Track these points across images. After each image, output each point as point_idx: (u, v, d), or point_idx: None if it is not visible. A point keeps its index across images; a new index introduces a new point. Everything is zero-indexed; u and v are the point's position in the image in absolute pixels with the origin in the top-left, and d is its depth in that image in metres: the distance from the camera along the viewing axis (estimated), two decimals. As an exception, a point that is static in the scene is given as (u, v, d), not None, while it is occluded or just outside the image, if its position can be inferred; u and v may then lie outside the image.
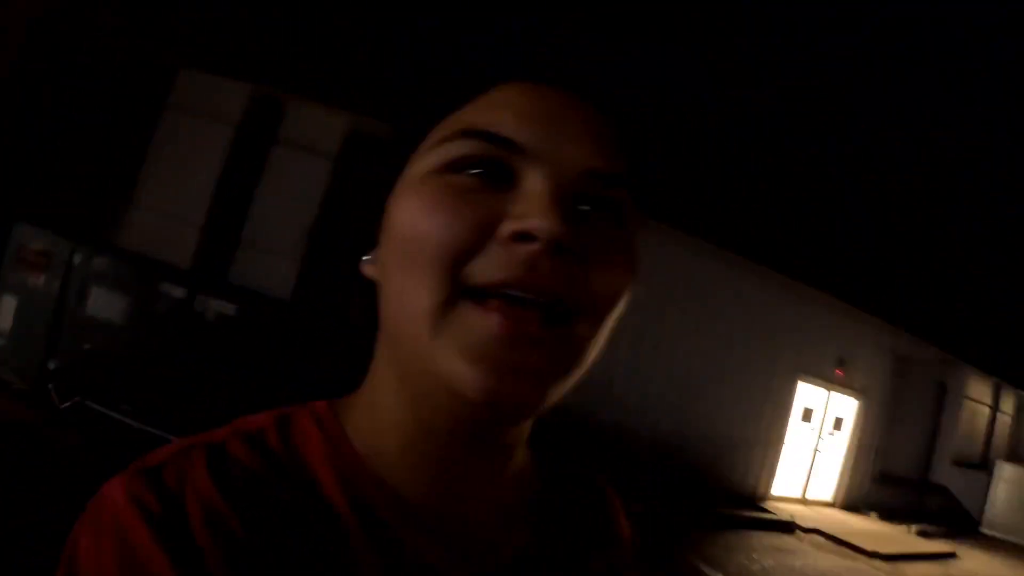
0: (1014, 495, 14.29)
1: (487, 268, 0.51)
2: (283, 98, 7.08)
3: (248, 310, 5.33)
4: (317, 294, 6.91)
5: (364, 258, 0.62)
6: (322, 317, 6.20)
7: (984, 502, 14.59)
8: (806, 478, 12.91)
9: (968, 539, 13.21)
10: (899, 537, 11.68)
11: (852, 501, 13.27)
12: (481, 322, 0.50)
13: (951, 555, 11.39)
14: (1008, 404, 16.86)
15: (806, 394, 12.49)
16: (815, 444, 12.91)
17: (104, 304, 5.38)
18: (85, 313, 5.41)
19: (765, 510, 10.83)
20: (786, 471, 12.39)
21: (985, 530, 14.31)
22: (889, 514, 12.82)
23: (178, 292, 5.28)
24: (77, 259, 5.45)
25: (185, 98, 7.31)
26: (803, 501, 12.71)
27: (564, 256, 0.51)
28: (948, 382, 14.33)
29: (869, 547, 9.85)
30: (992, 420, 16.19)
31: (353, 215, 7.14)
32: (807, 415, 12.67)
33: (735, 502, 10.58)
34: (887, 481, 13.65)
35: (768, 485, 11.91)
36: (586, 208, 0.55)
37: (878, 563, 9.53)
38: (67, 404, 4.99)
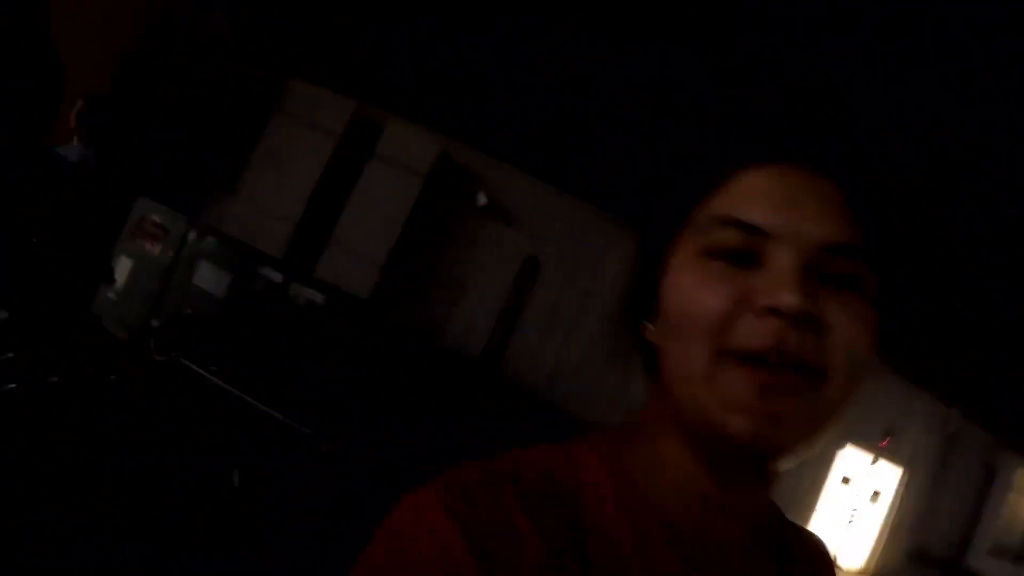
0: (1053, 596, 13.78)
1: (744, 337, 0.60)
2: (383, 116, 7.70)
3: (332, 302, 5.85)
4: (395, 298, 7.43)
5: (644, 324, 0.71)
6: (397, 319, 6.75)
7: (1019, 597, 14.08)
8: (840, 545, 12.74)
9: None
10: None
11: (883, 574, 13.05)
12: (742, 380, 0.59)
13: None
14: (1059, 500, 16.19)
15: (848, 459, 12.35)
16: (852, 511, 12.77)
17: (208, 276, 6.06)
18: (190, 282, 6.09)
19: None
20: (820, 535, 12.26)
21: (1016, 626, 13.85)
22: (920, 593, 12.60)
23: (274, 276, 5.90)
24: (190, 235, 6.17)
25: (294, 106, 8.00)
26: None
27: (808, 326, 0.59)
28: (998, 467, 14.00)
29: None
30: (1040, 514, 15.62)
31: (435, 230, 7.67)
32: (847, 480, 12.53)
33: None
34: (921, 559, 13.37)
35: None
36: (829, 279, 0.61)
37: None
38: (163, 358, 5.50)
